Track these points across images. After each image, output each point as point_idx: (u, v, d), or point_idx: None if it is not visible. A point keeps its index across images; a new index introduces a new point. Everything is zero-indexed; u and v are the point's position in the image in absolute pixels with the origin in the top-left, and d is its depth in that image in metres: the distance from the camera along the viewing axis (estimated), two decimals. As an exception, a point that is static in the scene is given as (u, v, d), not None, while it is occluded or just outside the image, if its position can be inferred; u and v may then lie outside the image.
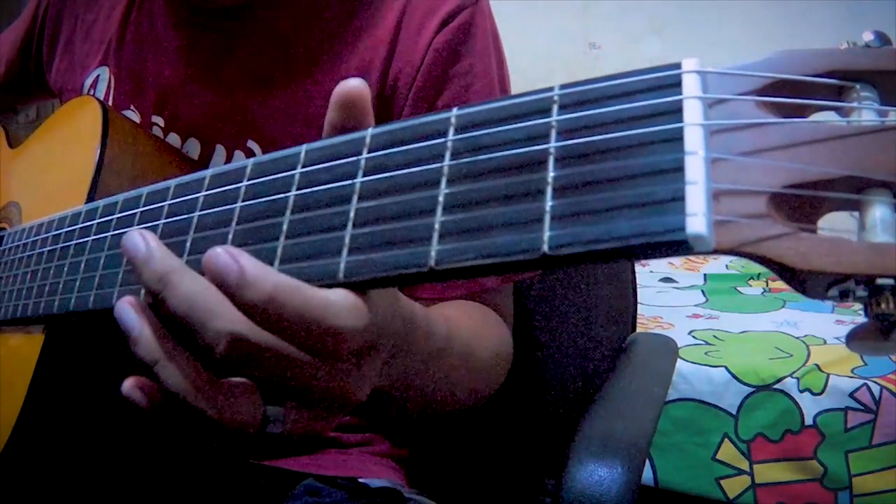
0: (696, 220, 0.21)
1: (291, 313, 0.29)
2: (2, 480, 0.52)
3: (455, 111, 0.28)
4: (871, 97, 0.23)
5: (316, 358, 0.30)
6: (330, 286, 0.29)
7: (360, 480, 0.60)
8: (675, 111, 0.23)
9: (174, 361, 0.31)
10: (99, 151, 0.53)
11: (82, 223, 0.44)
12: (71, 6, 0.74)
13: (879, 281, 0.21)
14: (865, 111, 0.23)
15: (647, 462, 1.36)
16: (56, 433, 0.52)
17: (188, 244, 0.35)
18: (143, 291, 0.36)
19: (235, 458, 0.60)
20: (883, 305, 0.21)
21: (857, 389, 1.29)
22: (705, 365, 1.38)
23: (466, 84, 0.59)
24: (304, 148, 0.32)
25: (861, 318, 0.22)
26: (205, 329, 0.30)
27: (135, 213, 0.39)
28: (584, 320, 0.78)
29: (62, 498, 0.56)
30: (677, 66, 0.24)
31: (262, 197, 0.33)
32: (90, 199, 0.51)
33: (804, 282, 0.22)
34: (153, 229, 0.37)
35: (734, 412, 1.34)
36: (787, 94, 0.24)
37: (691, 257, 2.06)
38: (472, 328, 0.53)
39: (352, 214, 0.29)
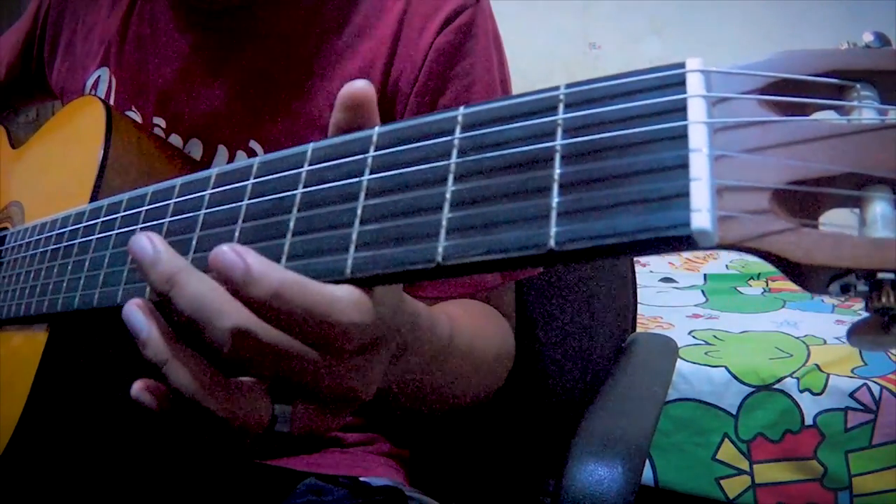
0: (701, 216, 0.22)
1: (297, 308, 0.29)
2: (2, 480, 0.52)
3: (462, 110, 0.29)
4: (871, 96, 0.24)
5: (322, 354, 0.31)
6: (337, 282, 0.29)
7: (362, 479, 0.60)
8: (680, 109, 0.24)
9: (182, 362, 0.31)
10: (102, 151, 0.53)
11: (86, 222, 0.44)
12: (72, 7, 0.74)
13: (880, 275, 0.21)
14: (865, 110, 0.23)
15: (647, 462, 1.36)
16: (58, 433, 0.52)
17: (194, 242, 0.35)
18: (148, 289, 0.36)
19: (239, 457, 0.60)
20: (884, 299, 0.21)
21: (857, 389, 1.29)
22: (705, 365, 1.38)
23: (467, 84, 0.59)
24: (310, 146, 0.33)
25: (862, 319, 0.23)
26: (212, 328, 0.30)
27: (139, 212, 0.39)
28: (584, 320, 0.79)
29: (63, 498, 0.56)
30: (681, 65, 0.25)
31: (268, 195, 0.33)
32: (93, 198, 0.51)
33: (806, 276, 0.22)
34: (158, 227, 0.37)
35: (734, 412, 1.35)
36: (789, 93, 0.24)
37: (691, 257, 2.07)
38: (474, 327, 0.53)
39: (359, 211, 0.29)
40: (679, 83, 0.24)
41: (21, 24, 0.81)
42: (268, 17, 0.62)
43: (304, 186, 0.32)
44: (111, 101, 0.67)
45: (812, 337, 1.49)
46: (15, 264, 0.53)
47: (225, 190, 0.35)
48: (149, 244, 0.32)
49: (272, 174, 0.33)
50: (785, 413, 1.32)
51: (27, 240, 0.52)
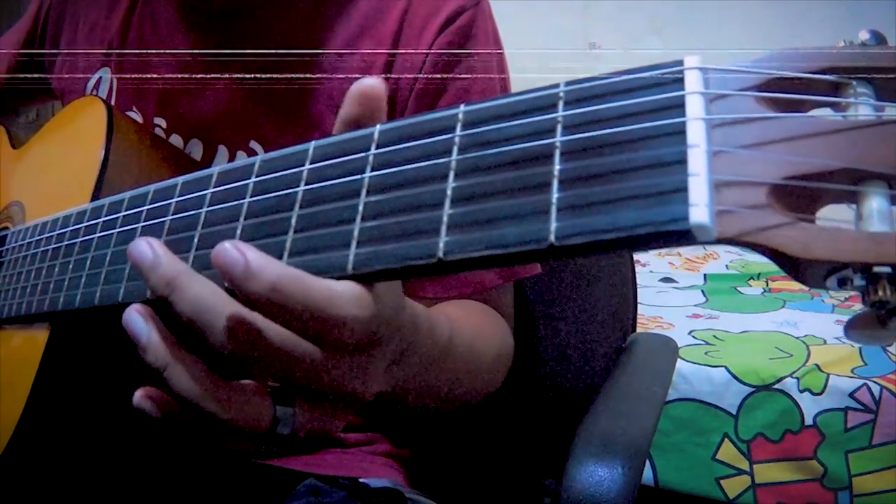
0: (699, 210, 0.22)
1: (297, 303, 0.29)
2: (2, 480, 0.52)
3: (462, 108, 0.29)
4: (867, 93, 0.24)
5: (323, 350, 0.31)
6: (339, 278, 0.30)
7: (361, 480, 0.61)
8: (678, 106, 0.24)
9: (183, 366, 0.32)
10: (104, 151, 0.53)
11: (88, 221, 0.45)
12: (72, 7, 0.74)
13: (876, 269, 0.21)
14: (862, 107, 0.24)
15: (647, 462, 1.36)
16: (58, 433, 0.52)
17: (196, 239, 0.35)
18: (148, 291, 0.36)
19: (239, 458, 0.60)
20: (880, 293, 0.21)
21: (857, 389, 1.29)
22: (705, 365, 1.38)
23: (467, 85, 0.59)
24: (312, 144, 0.33)
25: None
26: (213, 329, 0.30)
27: (141, 210, 0.40)
28: (584, 320, 0.79)
29: (63, 498, 0.56)
30: (679, 63, 0.25)
31: (270, 192, 0.33)
32: (94, 198, 0.51)
33: (804, 271, 0.23)
34: (160, 225, 0.38)
35: (734, 412, 1.35)
36: (786, 90, 0.24)
37: (691, 257, 2.07)
38: (474, 327, 0.53)
39: (361, 208, 0.30)
40: (677, 80, 0.25)
41: (22, 25, 0.81)
42: (268, 17, 0.62)
43: (306, 184, 0.32)
44: (112, 102, 0.68)
45: (812, 337, 1.49)
46: (16, 263, 0.53)
47: (227, 188, 0.35)
48: (148, 248, 0.32)
49: (274, 172, 0.34)
50: (785, 413, 1.32)
51: (28, 239, 0.52)
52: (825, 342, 1.46)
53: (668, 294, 1.85)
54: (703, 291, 1.86)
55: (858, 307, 0.23)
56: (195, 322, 0.31)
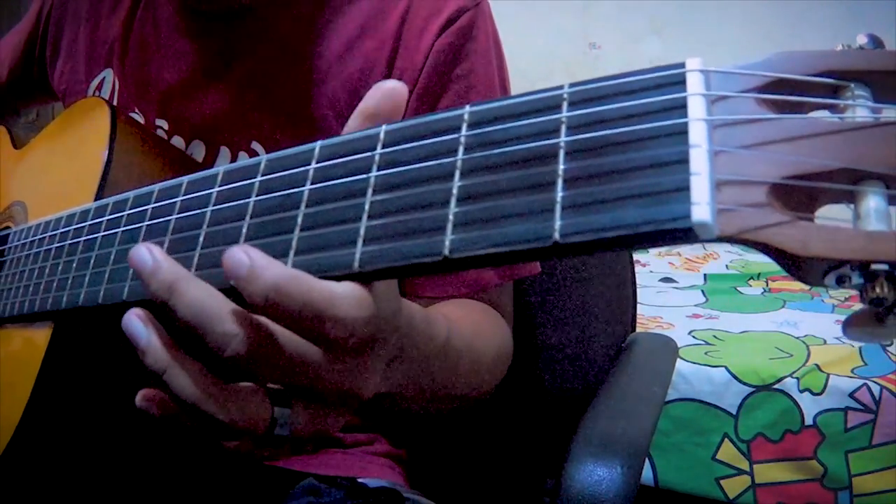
0: (701, 209, 0.23)
1: (296, 302, 0.30)
2: (3, 481, 0.52)
3: (468, 108, 0.29)
4: (865, 95, 0.25)
5: (322, 350, 0.32)
6: (345, 276, 0.30)
7: (359, 480, 0.61)
8: (680, 107, 0.25)
9: (182, 368, 0.32)
10: (107, 152, 0.53)
11: (91, 219, 0.45)
12: (74, 8, 0.74)
13: (874, 266, 0.22)
14: (860, 108, 0.24)
15: (647, 462, 1.36)
16: (59, 432, 0.52)
17: (202, 238, 0.35)
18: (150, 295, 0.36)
19: (239, 458, 0.61)
20: (878, 290, 0.22)
21: (857, 389, 1.29)
22: (705, 365, 1.38)
23: (468, 85, 0.60)
24: (318, 144, 0.33)
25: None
26: (213, 332, 0.31)
27: (146, 209, 0.40)
28: (583, 320, 0.79)
29: (64, 498, 0.56)
30: (681, 65, 0.26)
31: (276, 191, 0.33)
32: (98, 198, 0.51)
33: (803, 268, 0.23)
34: (166, 224, 0.38)
35: (734, 412, 1.35)
36: (786, 92, 0.25)
37: (691, 257, 2.08)
38: (473, 326, 0.54)
39: (367, 207, 0.30)
40: (679, 82, 0.25)
41: (23, 26, 0.81)
42: (269, 18, 0.62)
43: (312, 183, 0.32)
44: (114, 103, 0.68)
45: (812, 337, 1.49)
46: (18, 262, 0.53)
47: (232, 187, 0.36)
48: (147, 255, 0.33)
49: (280, 171, 0.34)
50: (785, 413, 1.32)
51: (30, 238, 0.52)
52: (825, 342, 1.46)
53: (668, 294, 1.85)
54: (703, 291, 1.87)
55: (858, 307, 0.23)
56: (194, 325, 0.31)
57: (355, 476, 0.62)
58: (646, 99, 0.25)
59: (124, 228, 0.41)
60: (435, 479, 0.72)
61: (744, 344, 1.48)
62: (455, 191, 0.28)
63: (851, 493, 1.28)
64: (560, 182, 0.25)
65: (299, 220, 0.32)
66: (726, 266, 2.04)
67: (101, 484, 0.56)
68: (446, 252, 0.27)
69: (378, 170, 0.31)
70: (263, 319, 0.31)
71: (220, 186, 0.36)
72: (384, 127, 0.32)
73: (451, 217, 0.27)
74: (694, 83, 0.25)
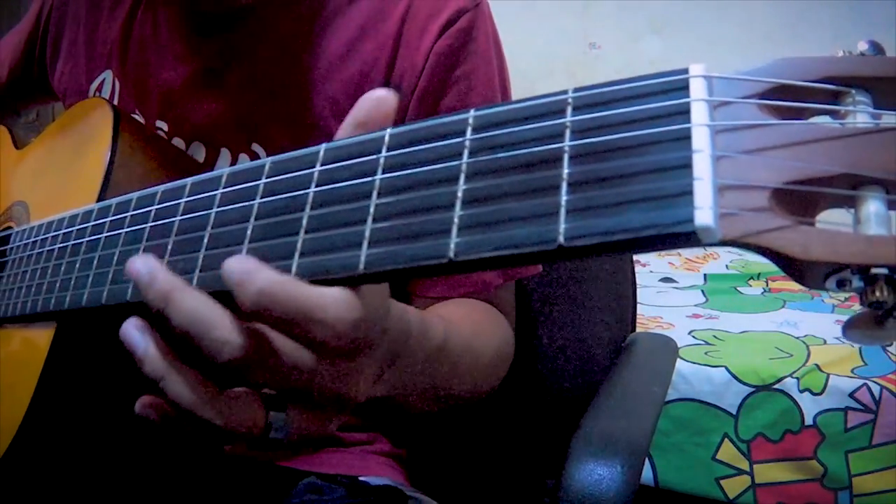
0: (704, 213, 0.23)
1: (285, 306, 0.30)
2: (3, 481, 0.53)
3: (473, 112, 0.30)
4: (866, 101, 0.25)
5: (313, 353, 0.32)
6: (351, 278, 0.30)
7: (361, 479, 0.61)
8: (683, 112, 0.25)
9: (180, 376, 0.33)
10: (110, 152, 0.53)
11: (95, 220, 0.45)
12: (74, 9, 0.74)
13: (874, 270, 0.22)
14: (860, 114, 0.25)
15: (647, 462, 1.36)
16: (60, 433, 0.52)
17: (206, 239, 0.36)
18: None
19: (239, 458, 0.61)
20: (878, 293, 0.22)
21: (857, 389, 1.30)
22: (705, 365, 1.38)
23: (468, 87, 0.60)
24: (323, 147, 0.34)
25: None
26: (207, 339, 0.32)
27: (150, 210, 0.40)
28: (584, 320, 0.79)
29: (64, 498, 0.56)
30: (685, 70, 0.26)
31: (280, 194, 0.34)
32: (101, 199, 0.51)
33: (803, 272, 0.23)
34: (170, 225, 0.38)
35: (734, 412, 1.35)
36: (788, 97, 0.25)
37: (691, 257, 2.08)
38: (473, 327, 0.54)
39: (372, 209, 0.30)
40: (682, 88, 0.26)
41: (23, 26, 0.81)
42: (269, 19, 0.62)
43: (317, 186, 0.33)
44: (115, 104, 0.68)
45: (812, 337, 1.49)
46: (20, 263, 0.53)
47: (237, 188, 0.36)
48: (144, 266, 0.34)
49: (284, 174, 0.34)
50: (785, 413, 1.32)
51: (33, 238, 0.52)
52: (825, 342, 1.46)
53: (668, 294, 1.85)
54: (703, 291, 1.87)
55: (858, 307, 0.24)
56: (190, 333, 0.32)
57: (357, 474, 0.62)
58: (649, 104, 0.26)
59: (128, 229, 0.41)
60: (435, 479, 0.72)
61: (744, 344, 1.48)
62: (460, 194, 0.28)
63: (851, 493, 1.29)
64: (564, 186, 0.26)
65: (304, 222, 0.32)
66: (726, 266, 2.04)
67: (103, 483, 0.57)
68: (451, 255, 0.27)
69: (383, 172, 0.31)
70: (256, 326, 0.32)
71: (224, 188, 0.36)
72: (389, 130, 0.32)
73: (456, 220, 0.28)
74: (697, 89, 0.25)
